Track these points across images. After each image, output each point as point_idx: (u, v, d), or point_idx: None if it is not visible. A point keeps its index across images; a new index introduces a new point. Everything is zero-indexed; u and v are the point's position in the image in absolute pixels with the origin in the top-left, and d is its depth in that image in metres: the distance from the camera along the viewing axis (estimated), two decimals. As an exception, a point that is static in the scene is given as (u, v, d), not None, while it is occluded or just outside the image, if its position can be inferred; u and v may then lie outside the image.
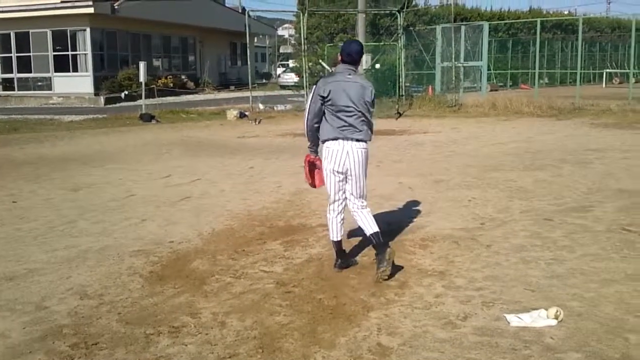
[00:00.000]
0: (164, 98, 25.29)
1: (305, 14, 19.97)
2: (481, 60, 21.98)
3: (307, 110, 4.76)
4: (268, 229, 6.23)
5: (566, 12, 41.40)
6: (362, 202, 4.81)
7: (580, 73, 21.17)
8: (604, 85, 32.70)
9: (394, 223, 6.31)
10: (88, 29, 25.06)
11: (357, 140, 4.65)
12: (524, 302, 4.18)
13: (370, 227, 4.73)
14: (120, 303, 4.30)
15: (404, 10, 20.37)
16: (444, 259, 5.18)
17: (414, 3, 30.57)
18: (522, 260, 5.07)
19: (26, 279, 4.83)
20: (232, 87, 33.43)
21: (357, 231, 5.32)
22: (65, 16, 24.67)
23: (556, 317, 3.81)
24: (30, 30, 25.47)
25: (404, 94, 20.58)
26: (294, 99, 23.62)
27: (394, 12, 21.33)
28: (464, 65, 22.06)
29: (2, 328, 3.90)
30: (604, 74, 34.05)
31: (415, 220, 6.46)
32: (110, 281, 4.74)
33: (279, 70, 42.55)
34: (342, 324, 3.91)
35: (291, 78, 34.48)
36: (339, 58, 4.76)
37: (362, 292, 4.46)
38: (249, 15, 21.79)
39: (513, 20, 33.97)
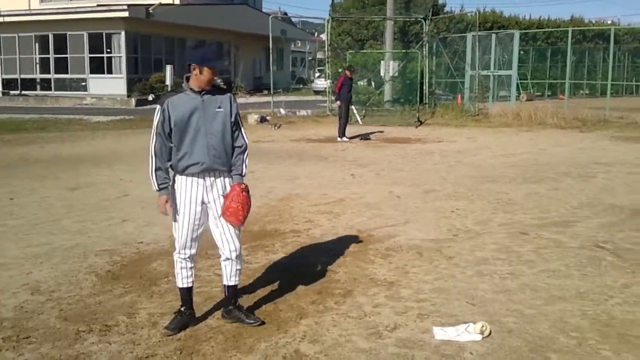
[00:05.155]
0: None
1: (330, 21, 20.06)
2: (511, 69, 21.64)
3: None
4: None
5: (609, 22, 40.34)
6: None
7: (614, 84, 20.61)
8: (646, 97, 31.82)
9: (365, 231, 6.33)
10: (123, 32, 25.71)
11: None
12: (460, 315, 4.13)
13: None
14: (67, 300, 4.43)
15: (429, 17, 20.22)
16: (400, 269, 5.16)
17: (446, 10, 30.37)
18: (477, 274, 5.01)
19: (-10, 273, 5.02)
20: (265, 92, 33.68)
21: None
22: (101, 19, 25.38)
23: (481, 332, 3.76)
24: (68, 33, 26.28)
25: (427, 102, 20.43)
26: (322, 104, 23.67)
27: (419, 19, 21.21)
28: (495, 74, 21.74)
29: (-53, 319, 4.08)
30: (646, 85, 33.14)
31: (388, 229, 6.43)
32: (67, 279, 4.89)
33: (315, 75, 42.70)
34: (270, 329, 3.95)
35: (323, 83, 34.62)
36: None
37: (304, 299, 4.49)
38: (282, 18, 22.02)
39: (543, 30, 33.38)
